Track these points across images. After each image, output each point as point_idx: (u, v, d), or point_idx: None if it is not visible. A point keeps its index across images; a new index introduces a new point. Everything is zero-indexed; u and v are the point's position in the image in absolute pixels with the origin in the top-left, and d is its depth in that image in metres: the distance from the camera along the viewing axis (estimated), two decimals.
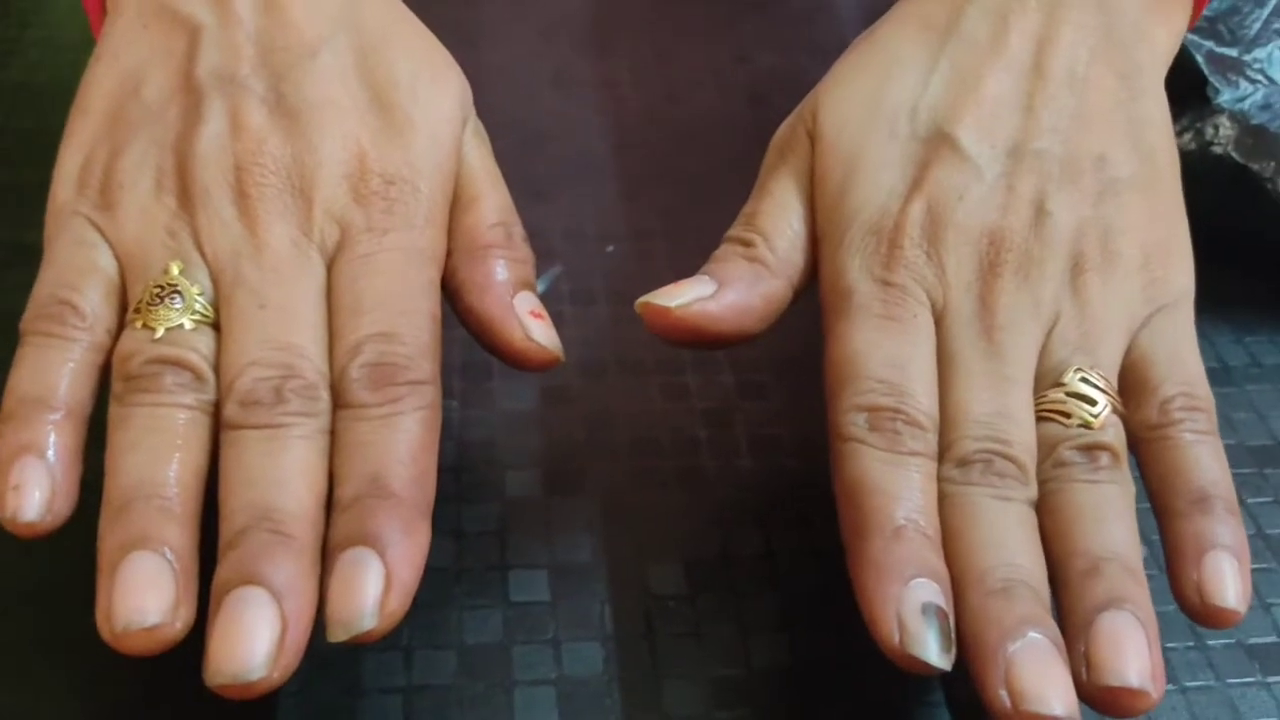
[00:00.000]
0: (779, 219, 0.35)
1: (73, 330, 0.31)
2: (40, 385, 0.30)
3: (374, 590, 0.28)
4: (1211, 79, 0.41)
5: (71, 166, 0.33)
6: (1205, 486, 0.31)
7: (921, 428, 0.31)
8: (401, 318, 0.31)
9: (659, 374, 0.40)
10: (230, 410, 0.30)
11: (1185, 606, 0.30)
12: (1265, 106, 0.41)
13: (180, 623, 0.27)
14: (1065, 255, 0.33)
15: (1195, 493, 0.31)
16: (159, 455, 0.29)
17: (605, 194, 0.47)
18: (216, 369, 0.31)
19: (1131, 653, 0.28)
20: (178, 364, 0.30)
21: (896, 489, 0.30)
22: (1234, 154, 0.41)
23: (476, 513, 0.36)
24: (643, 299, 0.33)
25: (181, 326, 0.31)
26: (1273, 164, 0.41)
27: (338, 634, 0.27)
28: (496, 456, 0.37)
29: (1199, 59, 0.42)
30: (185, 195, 0.32)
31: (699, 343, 0.34)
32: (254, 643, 0.27)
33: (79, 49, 0.51)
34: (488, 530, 0.35)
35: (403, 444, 0.30)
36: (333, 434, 0.30)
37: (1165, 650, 0.33)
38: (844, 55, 0.37)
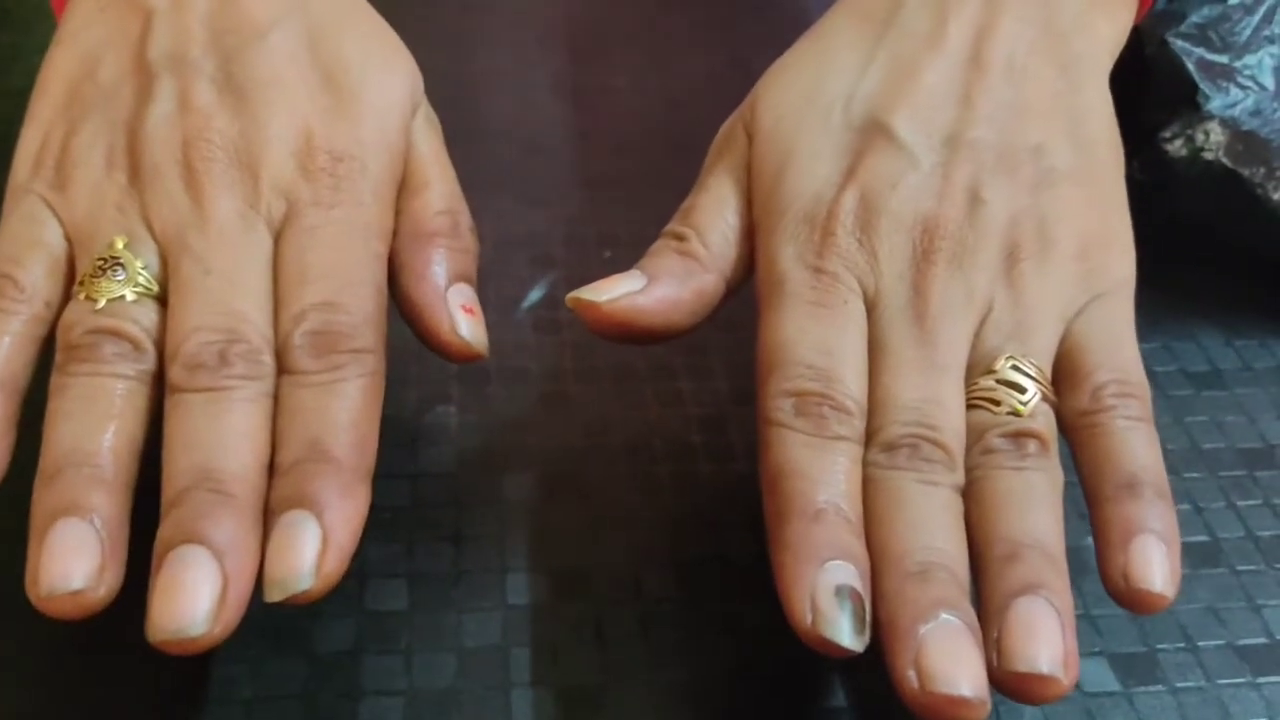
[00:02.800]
0: (713, 213, 0.35)
1: (10, 303, 0.32)
2: None
3: (310, 551, 0.28)
4: (1202, 86, 0.42)
5: (30, 147, 0.34)
6: (1134, 472, 0.31)
7: (848, 413, 0.31)
8: (346, 288, 0.32)
9: (653, 380, 0.40)
10: (175, 374, 0.30)
11: (1113, 592, 0.30)
12: (1255, 112, 0.42)
13: (105, 589, 0.28)
14: (1000, 244, 0.33)
15: (1124, 478, 0.31)
16: (93, 423, 0.30)
17: (604, 200, 0.47)
18: (159, 342, 0.31)
19: (1043, 639, 0.28)
20: (116, 334, 0.31)
21: (818, 473, 0.30)
22: (1224, 160, 0.42)
23: (475, 516, 0.36)
24: (574, 293, 0.34)
25: (123, 298, 0.31)
26: (1263, 169, 0.41)
27: (274, 594, 0.28)
28: (494, 461, 0.38)
29: (1189, 66, 0.42)
30: (135, 172, 0.33)
31: (630, 337, 0.34)
32: (195, 599, 0.27)
33: None
34: (486, 534, 0.36)
35: (343, 410, 0.31)
36: (275, 400, 0.31)
37: (1156, 651, 0.34)
38: (788, 50, 0.38)
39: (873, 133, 0.34)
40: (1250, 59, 0.42)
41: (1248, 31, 0.42)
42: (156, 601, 0.27)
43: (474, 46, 0.55)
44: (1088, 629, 0.34)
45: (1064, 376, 0.33)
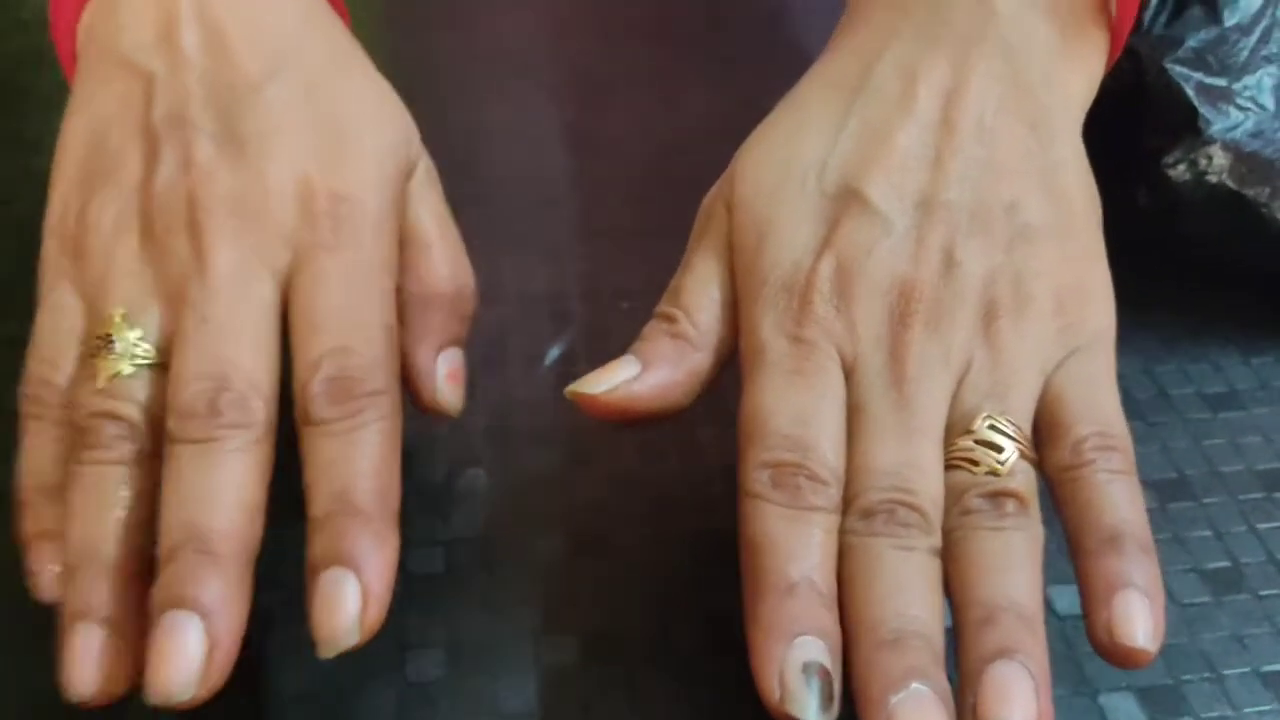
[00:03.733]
0: (700, 292, 0.36)
1: (52, 409, 0.33)
2: (35, 472, 0.33)
3: (353, 607, 0.30)
4: (1202, 110, 0.42)
5: (52, 220, 0.36)
6: (1116, 525, 0.32)
7: (824, 482, 0.32)
8: (355, 331, 0.33)
9: (674, 431, 0.41)
10: (170, 424, 0.32)
11: (1097, 646, 0.31)
12: (1257, 134, 0.42)
13: (120, 688, 0.30)
14: (976, 303, 0.34)
15: (1106, 531, 0.32)
16: (97, 515, 0.32)
17: (619, 250, 0.48)
18: (161, 411, 0.32)
19: (1017, 703, 0.29)
20: (112, 416, 0.32)
21: (793, 546, 0.31)
22: (1229, 182, 0.42)
23: (507, 579, 0.37)
24: (572, 387, 0.35)
25: (119, 373, 0.33)
26: (1268, 189, 0.42)
27: (325, 652, 0.30)
28: (523, 522, 0.38)
29: (1188, 91, 0.42)
30: (146, 235, 0.34)
31: (628, 422, 0.35)
32: (182, 664, 0.29)
33: None
34: (518, 597, 0.36)
35: (365, 459, 0.32)
36: (303, 449, 0.32)
37: (1180, 681, 0.34)
38: (764, 120, 0.38)
39: (847, 199, 0.35)
40: (1249, 80, 0.42)
41: (1245, 53, 0.43)
42: (149, 667, 0.29)
43: (481, 99, 0.56)
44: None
45: (1045, 431, 0.33)
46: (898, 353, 0.33)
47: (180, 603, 0.30)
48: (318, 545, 0.31)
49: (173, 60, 0.36)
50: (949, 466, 0.33)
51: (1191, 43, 0.43)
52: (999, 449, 0.32)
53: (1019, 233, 0.35)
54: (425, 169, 0.38)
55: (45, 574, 0.32)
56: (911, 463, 0.32)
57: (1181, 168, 0.42)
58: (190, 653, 0.29)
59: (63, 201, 0.36)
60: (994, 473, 0.32)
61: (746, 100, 0.55)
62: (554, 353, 0.44)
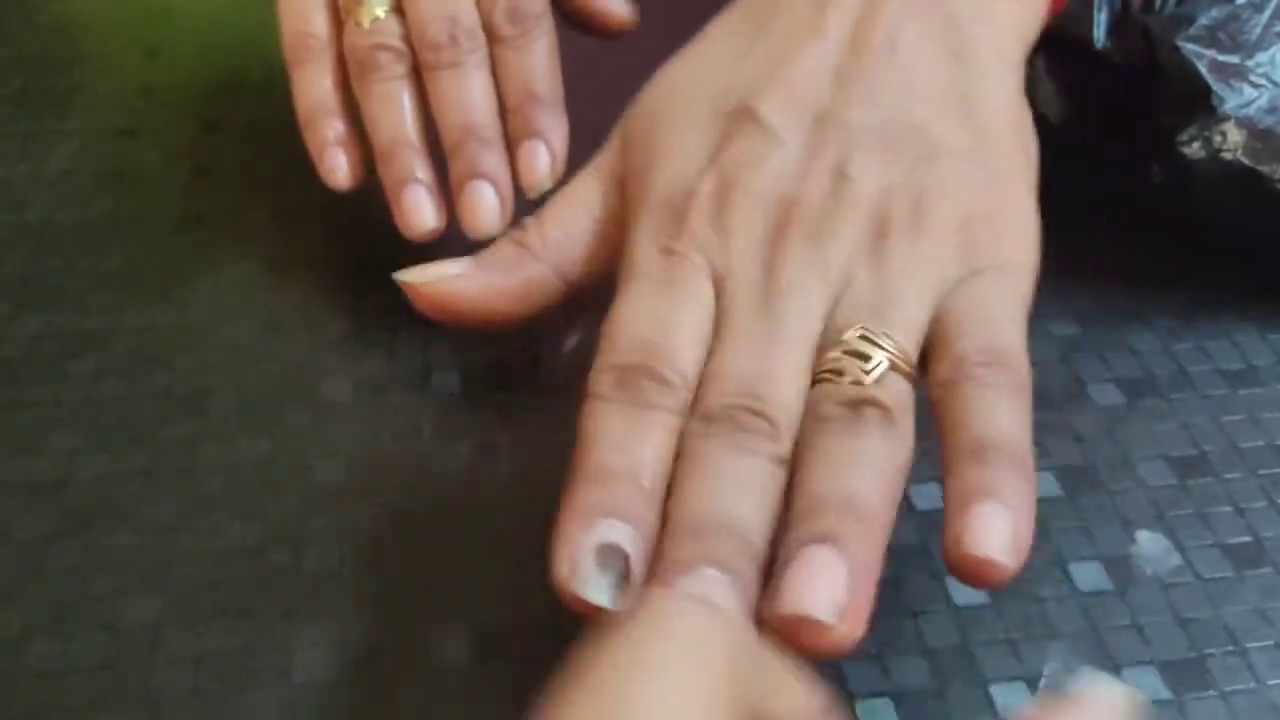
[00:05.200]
0: (564, 209, 0.37)
1: (317, 53, 0.44)
2: (315, 99, 0.44)
3: (546, 163, 0.42)
4: (1215, 87, 0.42)
5: None
6: (984, 436, 0.29)
7: (669, 385, 0.31)
8: None
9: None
10: (426, 55, 0.42)
11: (949, 564, 0.28)
12: (1271, 110, 0.42)
13: (445, 223, 0.42)
14: (864, 219, 0.33)
15: (973, 442, 0.29)
16: (400, 115, 0.42)
17: None
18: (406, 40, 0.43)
19: (821, 584, 0.27)
20: (385, 47, 0.42)
21: (619, 438, 0.30)
22: (1243, 159, 0.42)
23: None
24: (399, 273, 0.37)
25: (378, 16, 0.42)
26: None
27: (531, 194, 0.42)
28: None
29: (1201, 68, 0.42)
30: None
31: (459, 321, 0.37)
32: (486, 213, 0.41)
33: (125, 138, 0.53)
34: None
35: (540, 63, 0.43)
36: (494, 61, 0.43)
37: (1204, 655, 0.34)
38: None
39: (740, 117, 0.35)
40: (1262, 57, 0.42)
41: (1257, 30, 0.43)
42: (461, 216, 0.41)
43: None
44: (1136, 639, 0.34)
45: (930, 349, 0.32)
46: (771, 266, 0.32)
47: (474, 174, 0.41)
48: (513, 126, 0.42)
49: None
50: (815, 381, 0.31)
51: (1204, 20, 0.43)
52: (866, 358, 0.31)
53: (927, 154, 0.34)
54: None
55: (340, 169, 0.43)
56: (766, 372, 0.31)
57: (1196, 145, 0.42)
58: (490, 200, 0.41)
59: None
60: (858, 382, 0.30)
61: None
62: (569, 343, 0.44)
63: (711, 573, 0.27)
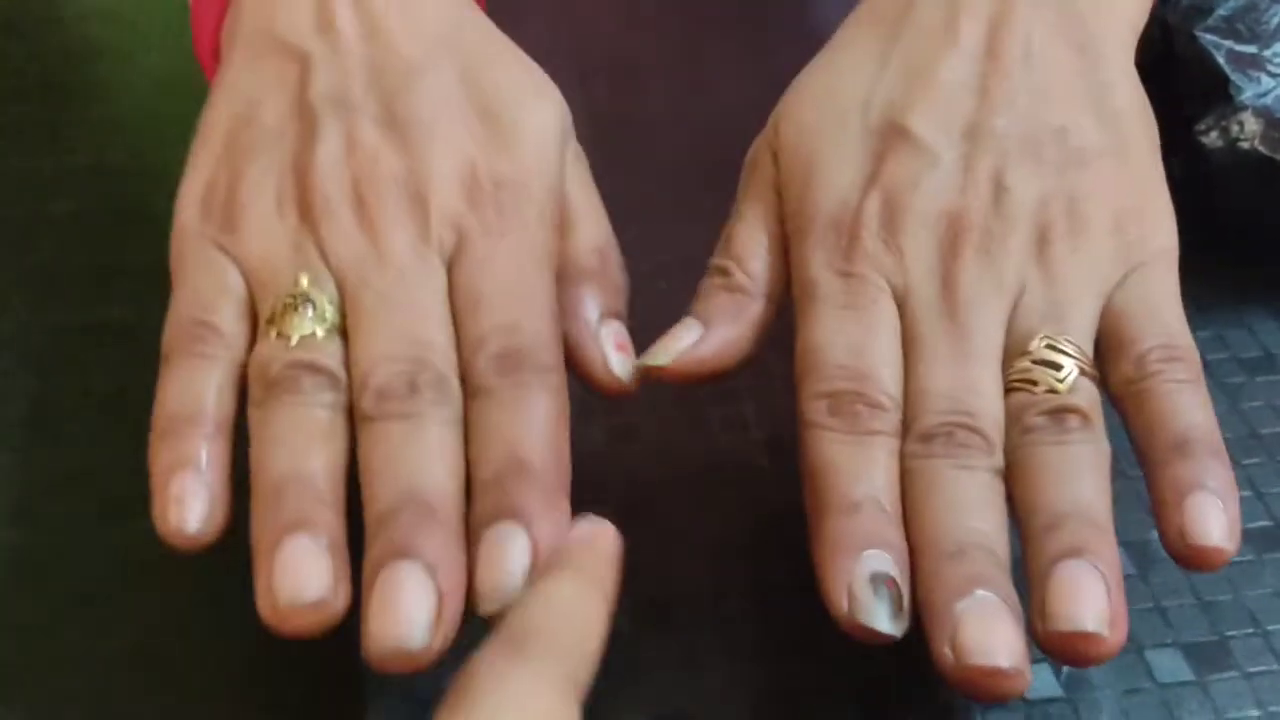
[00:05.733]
0: (750, 239, 0.36)
1: (213, 349, 0.33)
2: (189, 403, 0.32)
3: (521, 561, 0.29)
4: (1233, 77, 0.42)
5: (194, 192, 0.35)
6: (1184, 431, 0.31)
7: (882, 408, 0.32)
8: (521, 309, 0.33)
9: (719, 404, 0.41)
10: (366, 404, 0.31)
11: (1174, 554, 0.30)
12: None
13: (341, 600, 0.29)
14: (1028, 228, 0.34)
15: (1174, 438, 0.31)
16: (304, 448, 0.31)
17: (654, 232, 0.48)
18: (347, 371, 0.32)
19: (1087, 598, 0.28)
20: (313, 368, 0.32)
21: (854, 467, 0.31)
22: (1261, 148, 0.42)
23: None
24: (639, 361, 0.35)
25: (314, 334, 0.32)
26: None
27: (488, 605, 0.29)
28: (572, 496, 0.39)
29: (1219, 58, 0.43)
30: (306, 210, 0.34)
31: (701, 382, 0.35)
32: (414, 611, 0.28)
33: (143, 130, 0.54)
34: None
35: (536, 422, 0.31)
36: (467, 422, 0.32)
37: (1225, 637, 0.34)
38: (808, 64, 0.38)
39: (891, 135, 0.35)
40: (1279, 47, 0.43)
41: (1275, 20, 0.43)
42: (374, 616, 0.28)
43: None
44: (1158, 621, 0.35)
45: (1108, 348, 0.33)
46: (949, 281, 0.33)
47: (404, 553, 0.29)
48: (484, 504, 0.30)
49: (331, 43, 0.36)
50: (1009, 390, 0.33)
51: (1221, 10, 0.43)
52: (1058, 367, 0.32)
53: (1071, 156, 0.35)
54: (574, 149, 0.38)
55: (193, 512, 0.30)
56: (968, 386, 0.32)
57: (1214, 135, 0.43)
58: (420, 600, 0.28)
59: (206, 174, 0.35)
60: (1054, 391, 0.32)
61: (779, 82, 0.56)
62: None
63: (984, 594, 0.29)
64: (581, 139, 0.54)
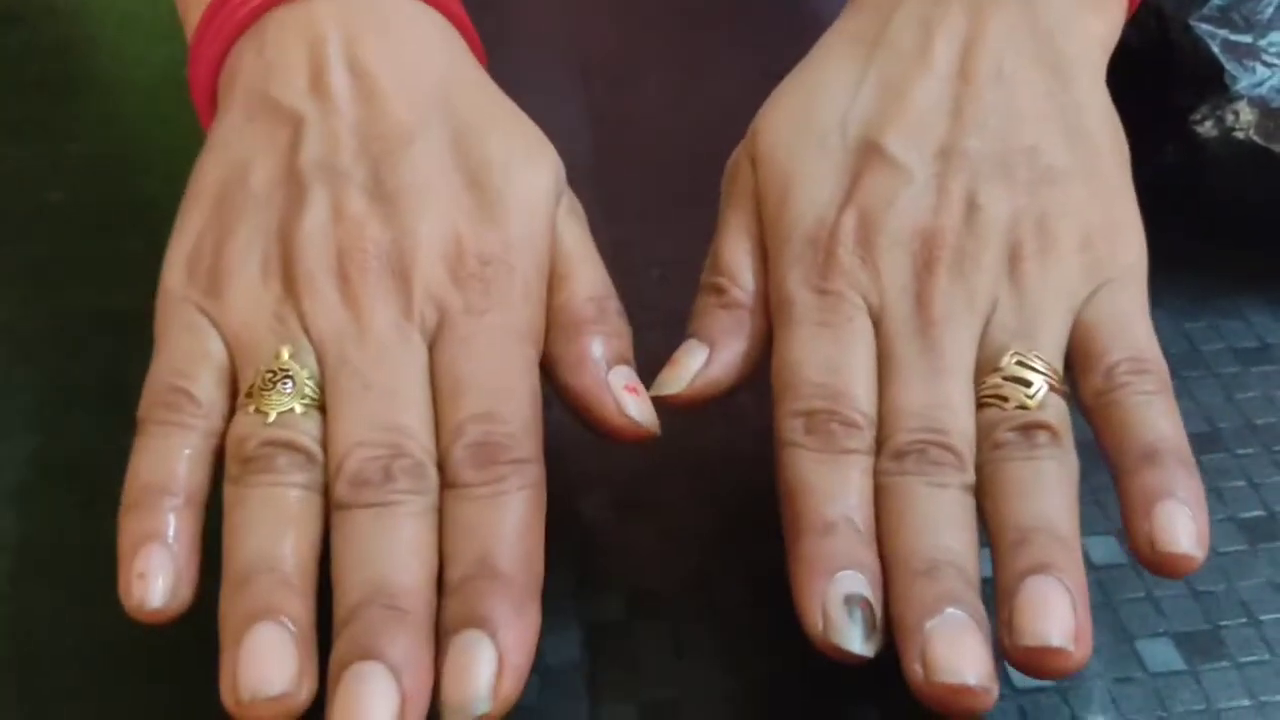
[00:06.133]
0: (738, 251, 0.37)
1: (189, 418, 0.33)
2: (160, 472, 0.32)
3: (487, 673, 0.29)
4: (1228, 67, 0.42)
5: (180, 252, 0.35)
6: (1153, 441, 0.32)
7: (856, 426, 0.32)
8: (502, 397, 0.33)
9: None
10: (340, 490, 0.31)
11: (1143, 560, 0.31)
12: None
13: (305, 693, 0.29)
14: (1000, 246, 0.34)
15: (1144, 448, 0.32)
16: (276, 531, 0.31)
17: (647, 221, 0.48)
18: (324, 449, 0.32)
19: (1053, 614, 0.29)
20: (290, 446, 0.32)
21: (829, 487, 0.32)
22: (1256, 138, 0.42)
23: (552, 537, 0.37)
24: (652, 392, 0.35)
25: (293, 410, 0.32)
26: None
27: (453, 718, 0.29)
28: (569, 483, 0.39)
29: (1214, 48, 0.43)
30: (290, 280, 0.34)
31: (711, 403, 0.35)
32: (376, 714, 0.28)
33: (141, 122, 0.54)
34: (563, 556, 0.37)
35: (509, 523, 0.31)
36: (441, 513, 0.31)
37: (1218, 627, 0.34)
38: (785, 77, 0.39)
39: (867, 153, 0.36)
40: (1275, 36, 0.43)
41: (1270, 10, 0.43)
42: (337, 717, 0.28)
43: (508, 86, 0.56)
44: (1151, 611, 0.35)
45: (1078, 362, 0.34)
46: (923, 299, 0.34)
47: (369, 654, 0.28)
48: (452, 608, 0.30)
49: (323, 106, 0.36)
50: (980, 406, 0.33)
51: (1216, 0, 0.43)
52: (1027, 383, 0.33)
53: (1041, 175, 0.35)
54: (568, 203, 0.38)
55: (157, 586, 0.30)
56: (941, 403, 0.33)
57: (1209, 124, 0.43)
58: (381, 705, 0.28)
59: (193, 236, 0.35)
60: (1024, 407, 0.32)
61: (769, 72, 0.56)
62: None
63: (954, 612, 0.29)
64: (576, 135, 0.54)
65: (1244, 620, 0.35)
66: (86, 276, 0.46)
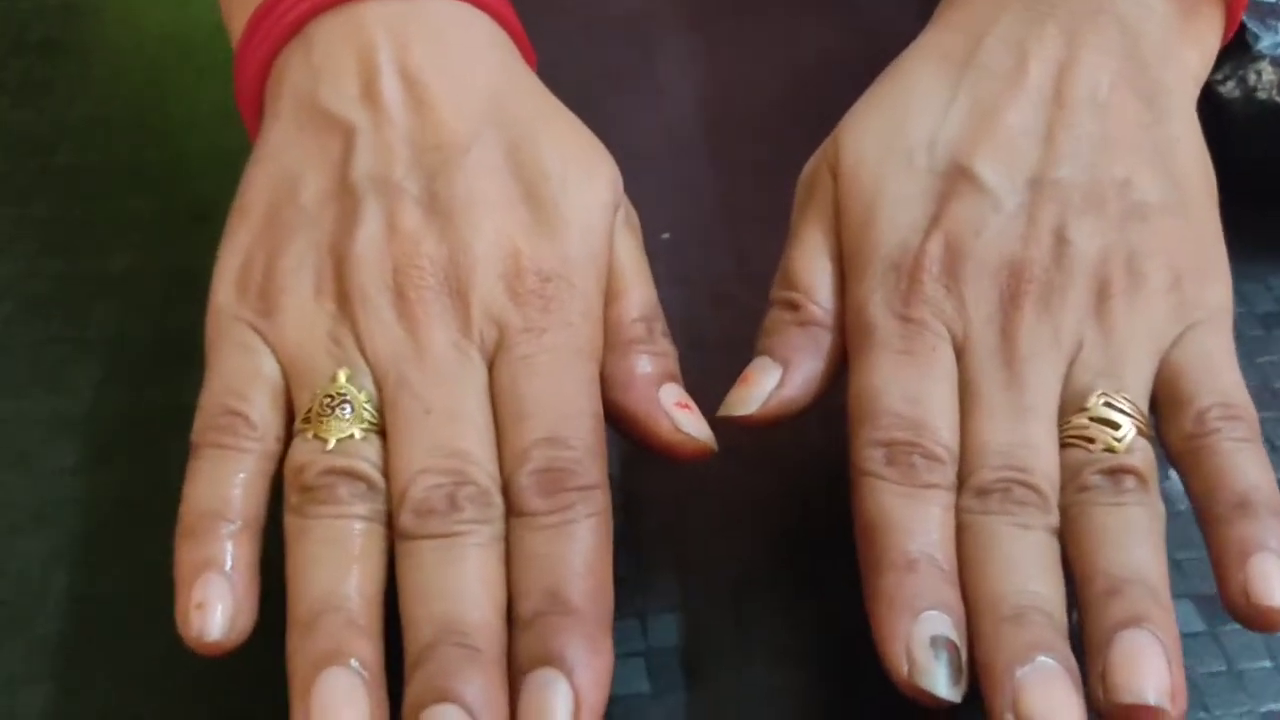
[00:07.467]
0: (813, 265, 0.35)
1: (245, 441, 0.32)
2: (216, 498, 0.31)
3: (564, 713, 0.28)
4: (1250, 26, 0.42)
5: (230, 269, 0.34)
6: (1246, 491, 0.31)
7: (939, 460, 0.31)
8: (566, 420, 0.32)
9: (727, 353, 0.40)
10: (405, 520, 0.30)
11: (1234, 611, 0.30)
12: None
13: None
14: (1088, 282, 0.33)
15: (1237, 497, 0.31)
16: (341, 569, 0.30)
17: (650, 183, 0.47)
18: (385, 474, 0.31)
19: (1150, 670, 0.28)
20: (351, 474, 0.31)
21: (911, 523, 0.30)
22: (1278, 98, 0.42)
23: None
24: (722, 411, 0.34)
25: (352, 436, 0.31)
26: None
27: None
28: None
29: None
30: (344, 298, 0.33)
31: (784, 422, 0.34)
32: None
33: (143, 86, 0.53)
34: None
35: (579, 554, 0.30)
36: (507, 542, 0.31)
37: None
38: (868, 90, 0.37)
39: (956, 177, 0.34)
40: None
41: None
42: None
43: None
44: (1172, 572, 0.33)
45: (1165, 406, 0.33)
46: (1009, 332, 0.33)
47: (445, 696, 0.28)
48: (525, 645, 0.29)
49: (375, 116, 0.34)
50: (1064, 445, 0.32)
51: None
52: (1115, 425, 0.32)
53: (1132, 210, 0.34)
54: (624, 214, 0.36)
55: (215, 617, 0.29)
56: (1025, 441, 0.32)
57: (1231, 85, 0.42)
58: None
59: (243, 251, 0.34)
60: (1110, 449, 0.31)
61: (787, 39, 0.55)
62: None
63: (1046, 660, 0.28)
64: (589, 93, 0.53)
65: None
66: (91, 237, 0.46)
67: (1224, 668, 0.32)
